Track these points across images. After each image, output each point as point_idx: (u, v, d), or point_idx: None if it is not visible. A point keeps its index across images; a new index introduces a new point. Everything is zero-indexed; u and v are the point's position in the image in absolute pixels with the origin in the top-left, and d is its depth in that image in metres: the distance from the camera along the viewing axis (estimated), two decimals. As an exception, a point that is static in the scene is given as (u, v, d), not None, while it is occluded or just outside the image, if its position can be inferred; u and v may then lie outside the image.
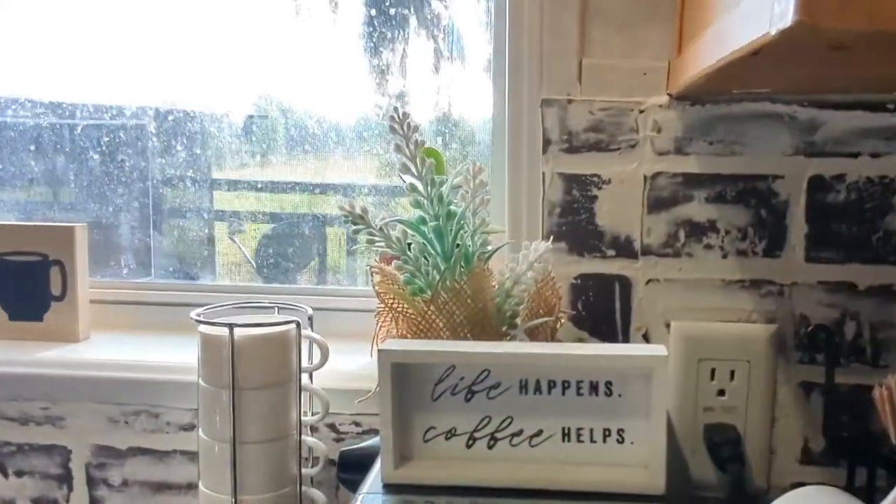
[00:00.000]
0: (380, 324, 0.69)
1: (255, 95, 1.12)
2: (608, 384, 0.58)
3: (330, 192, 1.13)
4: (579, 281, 0.85)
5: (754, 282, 0.84)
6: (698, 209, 0.84)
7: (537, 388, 0.59)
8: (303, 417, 0.81)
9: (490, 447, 0.60)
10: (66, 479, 0.95)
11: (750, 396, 0.82)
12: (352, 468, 0.79)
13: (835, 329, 0.83)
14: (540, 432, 0.59)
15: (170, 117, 1.10)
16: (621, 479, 0.57)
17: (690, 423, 0.83)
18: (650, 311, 0.85)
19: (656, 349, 0.57)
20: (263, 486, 0.78)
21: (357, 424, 0.90)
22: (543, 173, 0.85)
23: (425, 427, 0.60)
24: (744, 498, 0.80)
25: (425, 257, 0.65)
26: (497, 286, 0.64)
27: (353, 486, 0.80)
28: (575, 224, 0.85)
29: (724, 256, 0.84)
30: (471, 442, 0.60)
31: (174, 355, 0.95)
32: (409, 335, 0.67)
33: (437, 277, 0.64)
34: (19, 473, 0.96)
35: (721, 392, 0.83)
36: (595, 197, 0.85)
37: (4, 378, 0.93)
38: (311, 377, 0.82)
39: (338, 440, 0.89)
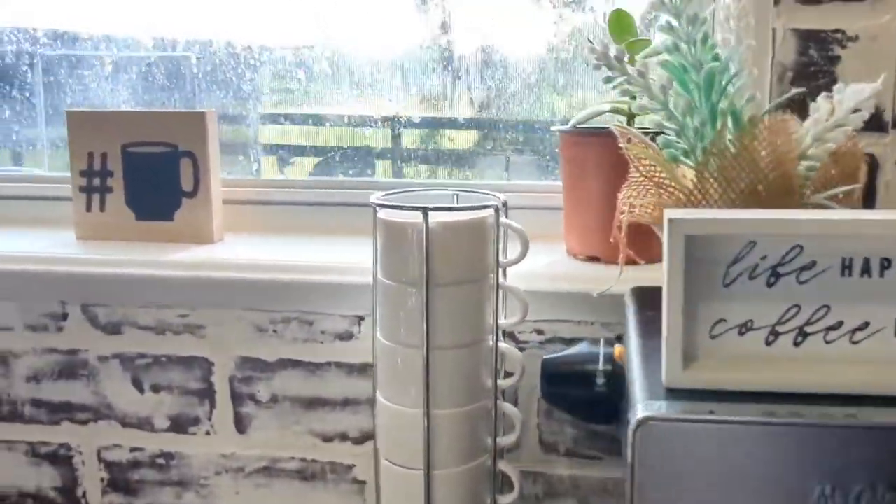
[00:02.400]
0: (624, 200, 0.57)
1: (301, 28, 1.03)
2: (964, 263, 0.45)
3: (371, 125, 1.05)
4: (811, 161, 0.71)
5: None
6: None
7: (865, 269, 0.46)
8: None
9: (797, 344, 0.47)
10: (207, 394, 0.86)
11: None
12: (557, 379, 0.68)
13: None
14: (866, 325, 0.47)
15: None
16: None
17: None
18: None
19: None
20: (456, 399, 0.67)
21: (539, 332, 0.79)
22: (774, 29, 0.71)
23: (714, 320, 0.48)
24: None
25: (688, 116, 0.52)
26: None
27: (555, 399, 0.70)
28: (811, 91, 0.71)
29: None
30: (772, 338, 0.48)
31: (326, 255, 0.84)
32: (660, 212, 0.54)
33: (709, 137, 0.51)
34: (156, 388, 0.87)
35: None
36: (837, 58, 0.70)
37: (137, 282, 0.83)
38: (504, 274, 0.70)
39: (520, 349, 0.77)
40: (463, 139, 1.12)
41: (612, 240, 0.59)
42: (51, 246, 0.89)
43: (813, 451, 0.44)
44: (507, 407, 0.72)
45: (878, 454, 0.44)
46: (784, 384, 0.47)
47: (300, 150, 1.10)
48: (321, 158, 1.08)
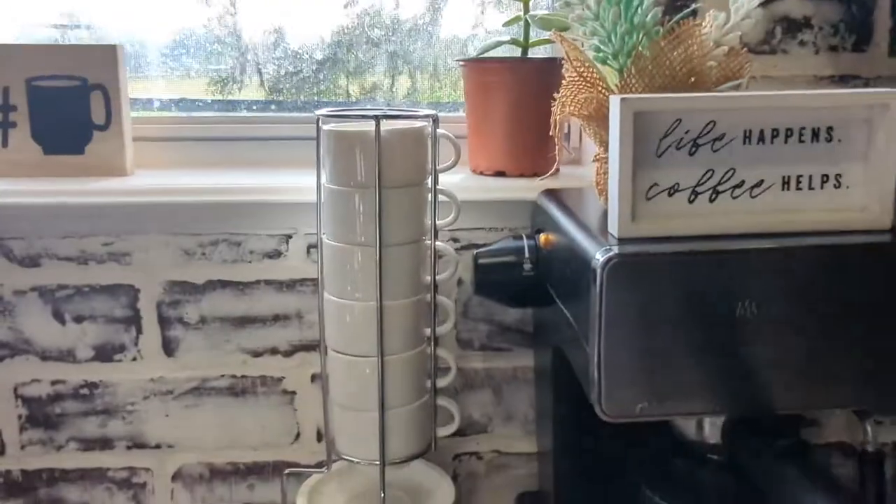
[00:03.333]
0: (561, 100, 0.67)
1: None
2: (829, 129, 0.60)
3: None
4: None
5: (843, 77, 0.88)
6: (795, 4, 0.86)
7: (761, 138, 0.60)
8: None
9: (712, 200, 0.60)
10: (134, 320, 0.88)
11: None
12: (489, 269, 0.78)
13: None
14: (761, 182, 0.60)
15: None
16: (842, 217, 0.60)
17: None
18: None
19: (885, 93, 0.59)
20: (403, 291, 0.75)
21: (455, 240, 0.88)
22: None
23: (649, 184, 0.60)
24: None
25: (611, 25, 0.63)
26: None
27: (487, 289, 0.80)
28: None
29: (817, 52, 0.87)
30: (693, 196, 0.60)
31: (245, 180, 0.88)
32: (595, 106, 0.65)
33: (629, 44, 0.62)
34: (78, 319, 0.88)
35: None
36: (696, -5, 0.85)
37: (55, 211, 0.84)
38: (436, 179, 0.79)
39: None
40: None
41: (551, 133, 0.69)
42: (-49, 182, 0.87)
43: (732, 277, 0.57)
44: (443, 300, 0.81)
45: (773, 276, 0.57)
46: (704, 230, 0.60)
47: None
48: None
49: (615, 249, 0.56)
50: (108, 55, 0.88)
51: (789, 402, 0.60)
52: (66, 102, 0.88)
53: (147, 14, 1.01)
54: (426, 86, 1.08)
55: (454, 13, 1.05)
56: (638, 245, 0.57)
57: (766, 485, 0.60)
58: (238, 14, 1.03)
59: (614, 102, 0.57)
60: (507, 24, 0.90)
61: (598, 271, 0.56)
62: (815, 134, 0.60)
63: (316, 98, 1.05)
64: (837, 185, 0.61)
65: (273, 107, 1.05)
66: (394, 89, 1.07)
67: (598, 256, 0.56)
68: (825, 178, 0.60)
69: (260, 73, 1.05)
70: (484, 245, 0.86)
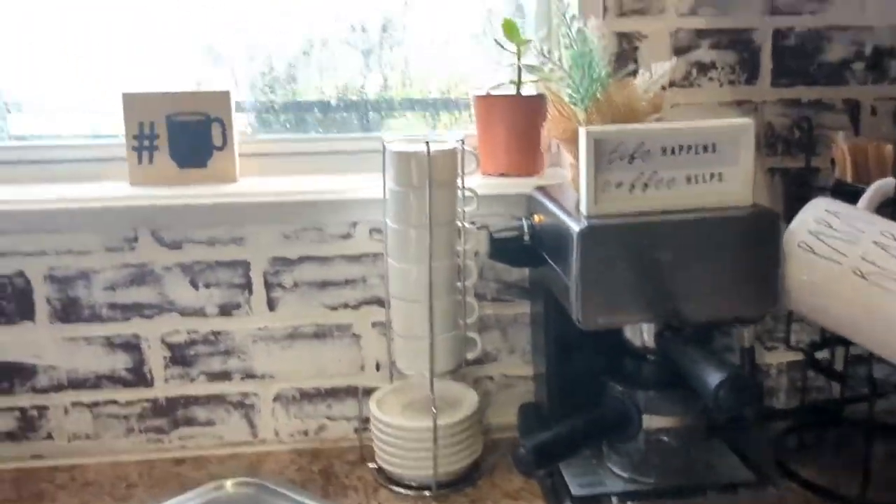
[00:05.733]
0: (548, 128, 1.04)
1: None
2: (713, 145, 0.97)
3: None
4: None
5: (739, 102, 1.26)
6: (705, 53, 1.23)
7: (672, 151, 0.97)
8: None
9: (643, 190, 0.97)
10: (246, 286, 1.24)
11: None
12: (500, 242, 1.15)
13: (787, 131, 1.27)
14: (673, 179, 0.98)
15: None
16: (722, 199, 0.97)
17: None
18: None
19: (743, 121, 0.96)
20: (443, 254, 1.12)
21: (473, 223, 1.25)
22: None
23: (603, 182, 0.96)
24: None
25: (579, 80, 1.00)
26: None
27: (499, 254, 1.16)
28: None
29: (721, 85, 1.25)
30: (631, 188, 0.97)
31: (321, 184, 1.24)
32: (569, 133, 1.02)
33: (590, 92, 0.99)
34: (208, 285, 1.23)
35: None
36: (636, 47, 1.22)
37: (191, 208, 1.19)
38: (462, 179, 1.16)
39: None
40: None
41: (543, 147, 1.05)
42: (114, 191, 1.21)
43: (657, 237, 0.94)
44: (469, 263, 1.18)
45: (681, 235, 0.95)
46: (638, 209, 0.97)
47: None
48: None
49: (585, 223, 0.94)
50: (223, 97, 1.24)
51: (696, 314, 0.97)
52: (194, 131, 1.23)
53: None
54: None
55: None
56: (599, 220, 0.95)
57: (681, 368, 0.97)
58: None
59: (581, 132, 0.94)
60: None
61: (575, 236, 0.93)
62: (705, 148, 0.97)
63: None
64: (720, 180, 0.98)
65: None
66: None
67: (575, 227, 0.94)
68: (712, 175, 0.98)
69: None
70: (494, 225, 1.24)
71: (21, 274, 1.19)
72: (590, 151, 0.94)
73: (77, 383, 1.23)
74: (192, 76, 1.34)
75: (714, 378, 0.87)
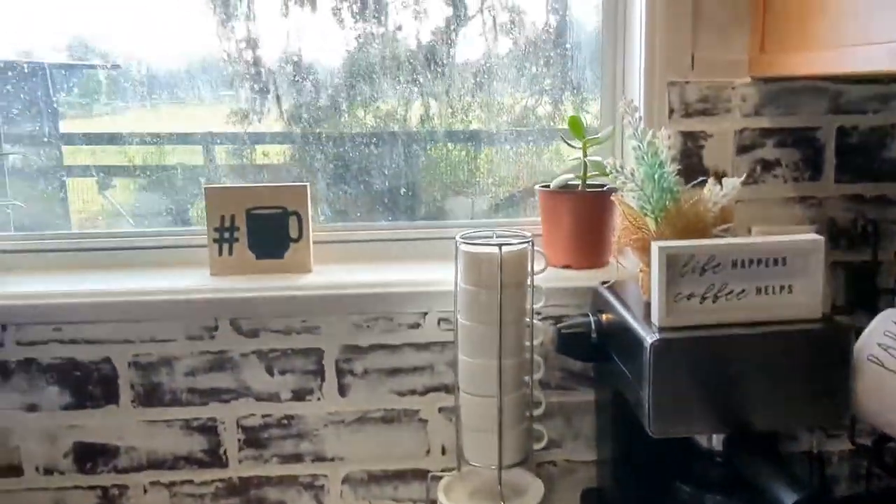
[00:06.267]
0: (619, 237, 1.08)
1: (68, 40, 1.14)
2: (784, 259, 0.99)
3: (186, 142, 1.34)
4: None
5: (803, 198, 1.28)
6: (769, 151, 1.26)
7: (742, 264, 0.99)
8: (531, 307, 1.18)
9: (714, 302, 1.00)
10: (319, 372, 1.28)
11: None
12: (568, 337, 1.18)
13: (850, 224, 1.29)
14: (743, 290, 1.00)
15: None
16: (792, 311, 1.00)
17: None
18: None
19: (814, 237, 0.99)
20: (512, 352, 1.15)
21: (537, 314, 1.28)
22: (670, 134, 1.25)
23: (675, 293, 0.99)
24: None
25: (651, 192, 1.03)
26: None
27: (566, 349, 1.19)
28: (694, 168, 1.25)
29: (785, 182, 1.27)
30: (702, 300, 1.00)
31: (393, 275, 1.29)
32: (641, 243, 1.05)
33: (660, 203, 1.02)
34: (283, 372, 1.28)
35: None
36: (701, 146, 1.25)
37: (268, 299, 1.24)
38: (532, 279, 1.19)
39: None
40: (276, 153, 1.37)
41: (611, 256, 1.09)
42: (195, 282, 1.27)
43: (729, 349, 0.97)
44: (536, 358, 1.21)
45: (754, 347, 0.97)
46: (710, 321, 0.99)
47: (114, 171, 1.33)
48: (148, 179, 1.36)
49: (658, 335, 0.96)
50: (300, 191, 1.29)
51: (765, 423, 0.99)
52: (272, 224, 1.29)
53: (162, 40, 1.17)
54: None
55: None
56: (670, 332, 0.97)
57: (750, 477, 0.99)
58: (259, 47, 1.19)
59: (654, 248, 0.97)
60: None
61: (649, 348, 0.96)
62: (775, 261, 0.99)
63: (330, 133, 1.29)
64: (790, 292, 1.00)
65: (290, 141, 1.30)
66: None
67: (648, 339, 0.96)
68: (782, 288, 1.00)
69: (279, 103, 1.27)
70: (559, 317, 1.27)
71: (108, 360, 1.25)
72: (662, 266, 0.97)
73: (156, 463, 1.29)
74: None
75: (788, 498, 0.89)
